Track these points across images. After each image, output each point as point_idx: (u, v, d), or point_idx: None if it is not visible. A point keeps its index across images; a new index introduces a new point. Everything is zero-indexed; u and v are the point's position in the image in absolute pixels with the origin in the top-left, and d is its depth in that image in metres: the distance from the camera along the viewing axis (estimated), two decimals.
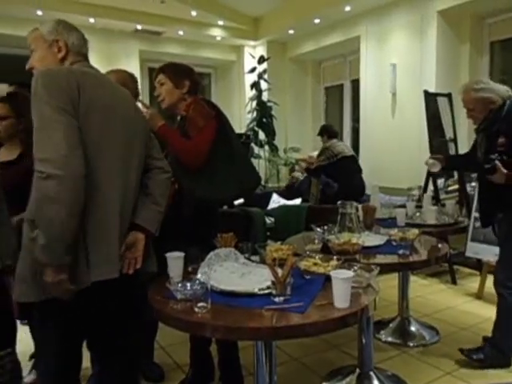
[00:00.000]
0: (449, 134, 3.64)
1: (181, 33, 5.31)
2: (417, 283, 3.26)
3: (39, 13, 4.15)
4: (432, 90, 3.67)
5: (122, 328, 1.26)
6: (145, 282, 1.31)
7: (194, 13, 4.97)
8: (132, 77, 1.99)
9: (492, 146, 1.90)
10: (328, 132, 3.74)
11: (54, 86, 1.06)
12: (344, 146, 3.76)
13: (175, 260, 1.31)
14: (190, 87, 1.76)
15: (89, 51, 1.27)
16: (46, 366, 1.16)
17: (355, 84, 5.12)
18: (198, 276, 1.25)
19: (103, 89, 1.17)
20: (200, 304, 1.12)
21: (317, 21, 4.86)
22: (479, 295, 2.94)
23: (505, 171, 1.79)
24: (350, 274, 1.20)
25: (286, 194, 4.26)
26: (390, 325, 2.45)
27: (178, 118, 1.88)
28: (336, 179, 3.60)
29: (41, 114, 1.05)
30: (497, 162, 1.81)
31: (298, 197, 4.02)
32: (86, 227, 1.08)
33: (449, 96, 3.64)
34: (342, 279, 1.15)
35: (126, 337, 1.28)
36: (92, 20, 4.58)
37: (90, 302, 1.12)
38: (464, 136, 3.86)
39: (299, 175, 4.04)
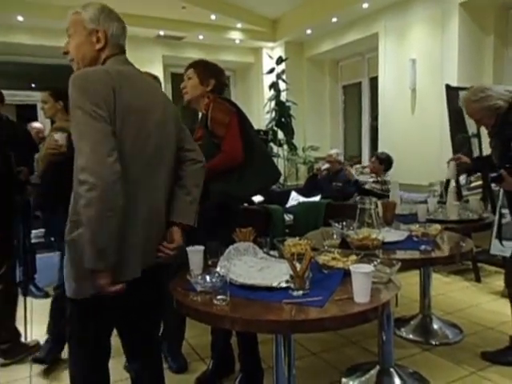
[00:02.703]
0: (471, 130, 3.53)
1: (201, 37, 5.41)
2: (439, 281, 3.19)
3: None
4: (454, 84, 3.59)
5: (147, 319, 1.32)
6: (173, 272, 1.36)
7: (213, 16, 5.05)
8: (154, 78, 2.07)
9: (506, 151, 1.89)
10: (389, 165, 3.84)
11: (89, 89, 1.04)
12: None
13: (195, 253, 1.34)
14: (214, 86, 1.82)
15: None
16: (80, 353, 1.22)
17: (373, 82, 5.06)
18: (218, 269, 1.27)
19: (138, 91, 1.14)
20: (219, 296, 1.13)
21: (334, 19, 4.84)
22: (505, 293, 2.84)
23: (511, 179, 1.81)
24: (370, 268, 1.17)
25: (306, 188, 4.26)
26: (411, 322, 2.41)
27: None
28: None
29: (75, 119, 1.04)
30: (502, 170, 1.83)
31: (316, 194, 4.01)
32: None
33: None
34: (362, 273, 1.12)
35: (152, 326, 1.35)
36: None
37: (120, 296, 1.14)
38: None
39: (327, 167, 4.05)
